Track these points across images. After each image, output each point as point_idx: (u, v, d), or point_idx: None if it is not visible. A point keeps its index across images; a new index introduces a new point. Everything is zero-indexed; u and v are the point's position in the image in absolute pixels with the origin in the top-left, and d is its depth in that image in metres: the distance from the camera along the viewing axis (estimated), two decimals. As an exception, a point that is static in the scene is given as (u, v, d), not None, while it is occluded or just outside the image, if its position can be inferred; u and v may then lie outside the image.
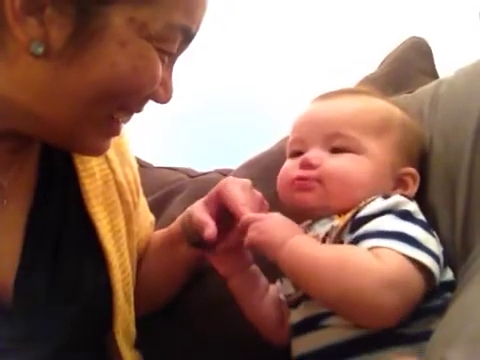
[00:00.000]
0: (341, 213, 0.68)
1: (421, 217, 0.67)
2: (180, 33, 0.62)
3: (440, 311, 0.63)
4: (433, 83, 0.86)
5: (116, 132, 0.68)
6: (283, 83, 1.58)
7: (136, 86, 0.62)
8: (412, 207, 0.67)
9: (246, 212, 0.71)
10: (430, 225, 0.67)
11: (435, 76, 1.02)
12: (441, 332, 0.59)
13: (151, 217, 0.92)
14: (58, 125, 0.62)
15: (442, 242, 0.66)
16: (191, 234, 0.78)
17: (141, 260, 0.86)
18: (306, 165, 0.71)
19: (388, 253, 0.61)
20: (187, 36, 0.64)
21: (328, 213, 0.70)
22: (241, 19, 1.61)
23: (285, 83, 1.58)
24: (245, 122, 1.61)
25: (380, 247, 0.62)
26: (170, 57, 0.64)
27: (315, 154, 0.71)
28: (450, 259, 0.67)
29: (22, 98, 0.60)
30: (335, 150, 0.72)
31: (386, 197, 0.67)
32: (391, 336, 0.63)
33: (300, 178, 0.71)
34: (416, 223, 0.65)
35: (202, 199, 0.80)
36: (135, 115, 0.69)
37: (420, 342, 0.62)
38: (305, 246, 0.65)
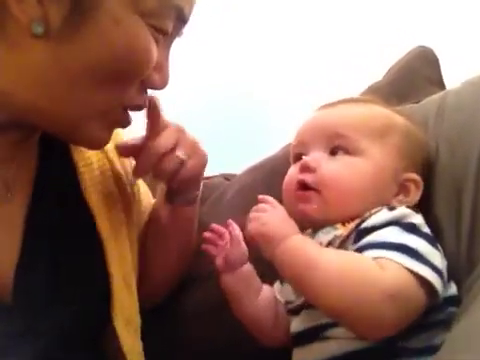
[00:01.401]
0: (344, 221, 0.68)
1: (426, 230, 0.66)
2: (174, 12, 0.63)
3: (443, 325, 0.63)
4: (440, 94, 0.86)
5: (119, 123, 0.68)
6: (290, 91, 1.59)
7: (132, 66, 0.62)
8: (418, 220, 0.66)
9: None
10: (435, 237, 0.66)
11: (442, 86, 1.02)
12: (446, 352, 0.58)
13: (153, 201, 0.90)
14: (60, 115, 0.62)
15: (447, 254, 0.65)
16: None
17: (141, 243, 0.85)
18: (305, 168, 0.71)
19: (391, 264, 0.60)
20: (180, 17, 0.64)
21: (331, 222, 0.69)
22: (248, 29, 1.61)
23: (292, 91, 1.58)
24: (251, 127, 1.62)
25: (382, 258, 0.61)
26: (165, 37, 0.64)
27: (314, 157, 0.71)
28: (454, 272, 0.66)
29: (24, 87, 0.60)
30: (334, 152, 0.71)
31: (392, 209, 0.67)
32: (393, 350, 0.62)
33: (300, 183, 0.71)
34: (421, 236, 0.64)
35: None
36: (140, 120, 0.69)
37: (422, 356, 0.62)
38: (308, 245, 0.64)
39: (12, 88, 0.60)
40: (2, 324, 0.63)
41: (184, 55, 0.69)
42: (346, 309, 0.60)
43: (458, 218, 0.70)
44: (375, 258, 0.61)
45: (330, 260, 0.62)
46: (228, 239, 0.75)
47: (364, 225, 0.65)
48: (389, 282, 0.59)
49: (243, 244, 0.75)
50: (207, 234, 0.77)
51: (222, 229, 0.76)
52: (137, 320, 0.77)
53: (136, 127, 0.73)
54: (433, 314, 0.64)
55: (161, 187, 0.84)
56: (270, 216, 0.67)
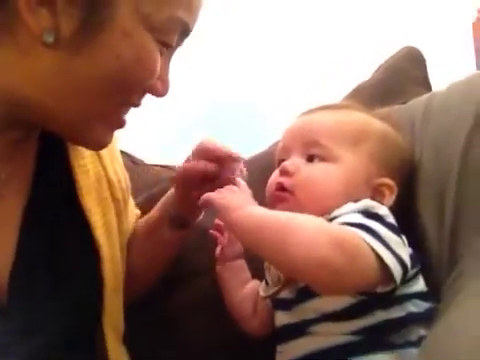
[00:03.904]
0: None
1: (391, 220, 0.67)
2: (179, 27, 0.65)
3: (420, 321, 0.66)
4: (426, 96, 0.87)
5: (120, 125, 0.69)
6: (280, 88, 1.60)
7: (137, 77, 0.63)
8: (382, 211, 0.68)
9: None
10: (419, 236, 0.68)
11: (428, 86, 1.03)
12: (427, 355, 0.59)
13: (136, 211, 0.93)
14: (65, 118, 0.64)
15: (430, 254, 0.67)
16: (173, 216, 0.84)
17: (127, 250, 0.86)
18: (284, 172, 0.74)
19: (344, 226, 0.63)
20: (185, 31, 0.66)
21: None
22: (240, 25, 1.62)
23: (282, 88, 1.59)
24: (242, 123, 1.63)
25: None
26: (168, 51, 0.66)
27: (293, 162, 0.74)
28: (437, 271, 0.68)
29: (31, 90, 0.61)
30: (311, 158, 0.74)
31: (356, 201, 0.69)
32: (375, 344, 0.65)
33: (278, 185, 0.74)
34: (382, 223, 0.65)
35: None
36: (132, 112, 0.70)
37: (400, 349, 0.65)
38: (260, 210, 0.67)
39: (19, 89, 0.61)
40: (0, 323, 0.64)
41: (186, 59, 0.71)
42: (293, 256, 0.60)
43: (441, 219, 0.72)
44: None
45: (278, 215, 0.65)
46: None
47: (329, 217, 0.68)
48: (337, 229, 0.63)
49: (235, 243, 0.83)
50: (212, 231, 0.86)
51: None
52: (122, 325, 0.80)
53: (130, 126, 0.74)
54: (406, 309, 0.66)
55: (161, 207, 0.87)
56: (232, 193, 0.70)
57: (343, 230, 0.63)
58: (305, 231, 0.61)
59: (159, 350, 0.88)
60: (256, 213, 0.66)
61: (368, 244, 0.61)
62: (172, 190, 0.85)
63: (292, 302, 0.71)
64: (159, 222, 0.86)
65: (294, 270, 0.62)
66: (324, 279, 0.60)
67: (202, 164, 0.76)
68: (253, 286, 0.82)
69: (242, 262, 0.84)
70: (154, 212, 0.88)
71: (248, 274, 0.84)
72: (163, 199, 0.87)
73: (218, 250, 0.84)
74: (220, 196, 0.69)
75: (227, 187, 0.72)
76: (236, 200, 0.68)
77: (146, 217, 0.90)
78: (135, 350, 0.81)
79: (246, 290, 0.82)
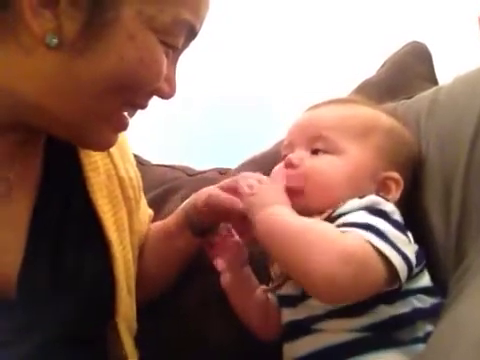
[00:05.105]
0: (321, 213, 0.70)
1: (396, 217, 0.67)
2: (185, 28, 0.64)
3: (425, 317, 0.66)
4: (431, 90, 0.86)
5: (123, 127, 0.69)
6: (284, 85, 1.60)
7: (143, 79, 0.63)
8: (388, 207, 0.67)
9: None
10: (425, 231, 0.68)
11: (434, 81, 1.03)
12: (432, 350, 0.59)
13: (149, 211, 0.93)
14: (67, 119, 0.63)
15: (436, 249, 0.67)
16: (196, 223, 0.83)
17: (139, 253, 0.87)
18: (289, 165, 0.74)
19: (354, 234, 0.62)
20: (191, 33, 0.66)
21: (310, 213, 0.70)
22: (245, 21, 1.63)
23: (286, 85, 1.60)
24: (249, 119, 1.63)
25: (348, 232, 0.63)
26: (174, 52, 0.66)
27: (297, 155, 0.75)
28: (444, 265, 0.68)
29: (33, 91, 0.61)
30: (316, 151, 0.74)
31: (362, 197, 0.69)
32: (381, 340, 0.65)
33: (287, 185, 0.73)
34: (388, 221, 0.65)
35: (212, 186, 0.84)
36: (140, 112, 0.70)
37: (408, 345, 0.65)
38: (283, 213, 0.67)
39: (22, 90, 0.61)
40: (4, 320, 0.64)
41: (187, 58, 0.71)
42: (304, 267, 0.61)
43: (447, 214, 0.72)
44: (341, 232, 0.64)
45: (297, 223, 0.65)
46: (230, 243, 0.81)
47: (335, 213, 0.68)
48: (348, 246, 0.61)
49: (244, 249, 0.80)
50: (216, 238, 0.83)
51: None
52: (134, 325, 0.80)
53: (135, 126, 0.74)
54: (412, 306, 0.66)
55: (181, 214, 0.86)
56: (261, 188, 0.71)
57: (354, 244, 0.61)
58: (318, 246, 0.61)
59: (168, 346, 0.88)
60: (276, 217, 0.66)
61: (375, 246, 0.61)
62: (193, 196, 0.85)
63: (297, 299, 0.71)
64: (179, 228, 0.86)
65: (302, 281, 0.64)
66: (328, 293, 0.61)
67: (229, 201, 0.78)
68: (261, 294, 0.81)
69: (248, 269, 0.82)
70: (173, 217, 0.88)
71: (255, 281, 0.83)
72: (184, 205, 0.87)
73: (220, 261, 0.82)
74: (250, 192, 0.70)
75: (258, 178, 0.72)
76: (265, 197, 0.69)
77: (163, 221, 0.90)
78: (144, 348, 0.80)
79: (255, 298, 0.80)
